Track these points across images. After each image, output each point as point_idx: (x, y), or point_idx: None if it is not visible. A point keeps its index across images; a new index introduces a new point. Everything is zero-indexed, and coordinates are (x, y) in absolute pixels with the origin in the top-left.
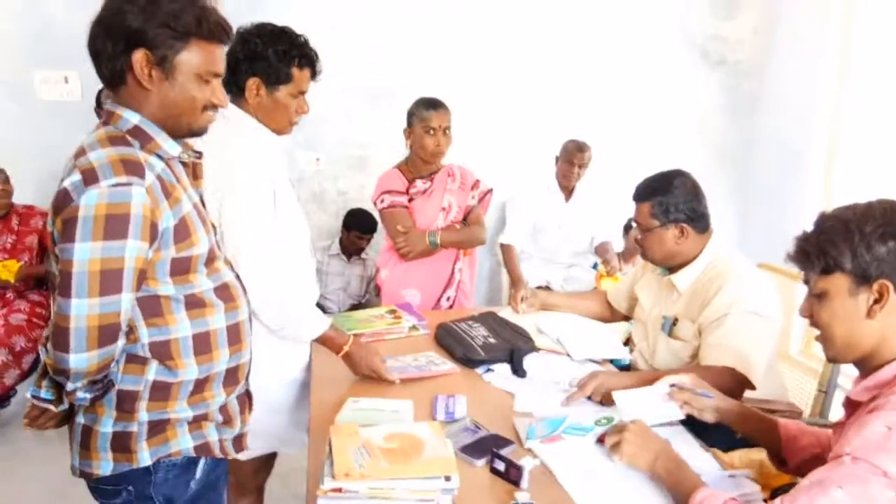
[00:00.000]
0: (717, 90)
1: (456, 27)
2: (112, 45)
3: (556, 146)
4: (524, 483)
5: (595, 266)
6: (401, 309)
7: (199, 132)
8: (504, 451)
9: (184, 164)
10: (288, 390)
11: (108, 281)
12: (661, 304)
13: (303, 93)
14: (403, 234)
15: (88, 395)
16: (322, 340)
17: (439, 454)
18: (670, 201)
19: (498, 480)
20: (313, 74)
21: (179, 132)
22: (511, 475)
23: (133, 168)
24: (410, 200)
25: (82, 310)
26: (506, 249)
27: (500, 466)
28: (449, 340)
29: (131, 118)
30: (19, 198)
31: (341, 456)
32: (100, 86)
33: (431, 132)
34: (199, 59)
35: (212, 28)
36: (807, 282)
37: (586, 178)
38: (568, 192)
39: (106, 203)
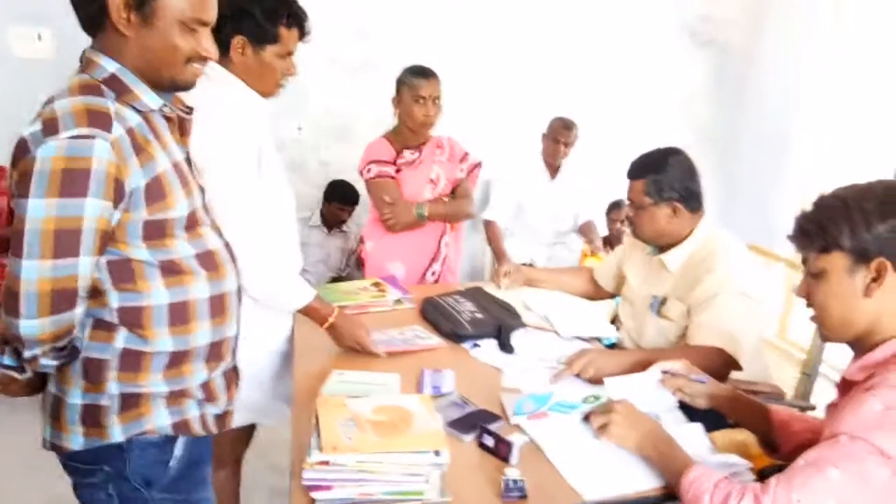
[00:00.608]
0: (704, 71)
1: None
2: None
3: (542, 123)
4: (513, 459)
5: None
6: (385, 282)
7: (183, 86)
8: (492, 427)
9: (168, 119)
10: (269, 361)
11: (64, 242)
12: (649, 284)
13: (290, 53)
14: (390, 206)
15: (53, 363)
16: (306, 311)
17: (429, 428)
18: (664, 179)
19: (486, 456)
20: (301, 35)
21: (161, 85)
22: (500, 451)
23: (98, 119)
24: (398, 171)
25: (33, 272)
26: (489, 226)
27: (490, 442)
28: (435, 315)
29: (108, 66)
30: None
31: (329, 429)
32: (77, 44)
33: (421, 101)
34: (181, 4)
35: None
36: (805, 261)
37: (572, 156)
38: (553, 170)
39: (64, 156)
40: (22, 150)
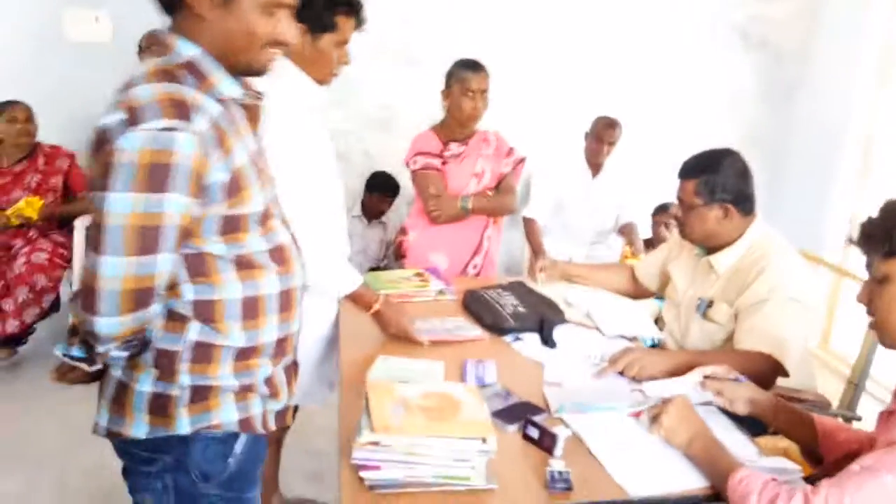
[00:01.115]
0: (753, 72)
1: None
2: None
3: (585, 121)
4: (558, 451)
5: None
6: (428, 272)
7: (259, 71)
8: (536, 419)
9: (243, 106)
10: (315, 345)
11: (147, 239)
12: (696, 285)
13: (346, 42)
14: (435, 197)
15: (123, 354)
16: (353, 297)
17: (476, 416)
18: (717, 180)
19: (530, 447)
20: (358, 24)
21: (238, 69)
22: (544, 443)
23: (182, 111)
24: (444, 163)
25: (115, 269)
26: (528, 223)
27: (534, 434)
28: (477, 307)
29: (185, 51)
30: (44, 140)
31: (379, 410)
32: (135, 26)
33: (470, 94)
34: None
35: None
36: (869, 266)
37: (615, 155)
38: (596, 168)
39: (150, 149)
40: (103, 140)
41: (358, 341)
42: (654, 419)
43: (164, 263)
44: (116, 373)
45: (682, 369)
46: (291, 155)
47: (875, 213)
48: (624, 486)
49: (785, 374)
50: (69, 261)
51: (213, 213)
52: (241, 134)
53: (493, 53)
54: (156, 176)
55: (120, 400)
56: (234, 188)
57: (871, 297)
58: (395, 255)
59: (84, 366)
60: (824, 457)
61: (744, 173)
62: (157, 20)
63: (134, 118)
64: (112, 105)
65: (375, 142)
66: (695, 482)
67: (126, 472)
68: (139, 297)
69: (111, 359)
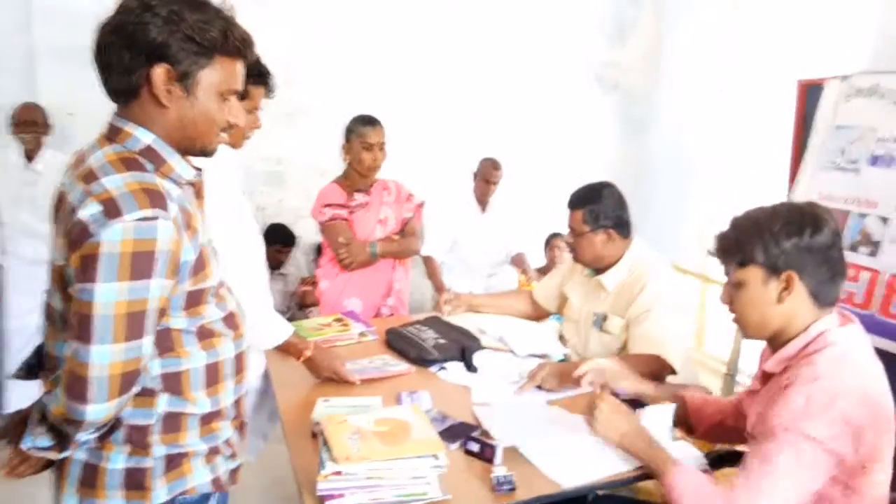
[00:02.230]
0: (611, 112)
1: (371, 49)
2: (129, 58)
3: (469, 162)
4: (498, 459)
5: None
6: (347, 317)
7: (210, 153)
8: (475, 435)
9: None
10: (246, 398)
11: (133, 324)
12: (590, 303)
13: (257, 108)
14: (345, 246)
15: (93, 437)
16: (285, 347)
17: (427, 435)
18: (600, 209)
19: (473, 460)
20: (268, 91)
21: (191, 152)
22: (486, 454)
23: (157, 199)
24: (351, 213)
25: (105, 357)
26: (427, 261)
27: (475, 448)
28: (401, 343)
29: (143, 137)
30: None
31: (338, 442)
32: None
33: (368, 148)
34: (221, 76)
35: (237, 43)
36: (727, 273)
37: (498, 192)
38: (484, 205)
39: (132, 239)
40: (84, 234)
41: (292, 389)
42: (590, 420)
43: (148, 346)
44: (81, 455)
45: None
46: (223, 219)
47: (725, 229)
48: (558, 482)
49: (673, 371)
50: None
51: (181, 291)
52: (197, 212)
53: (378, 104)
54: (140, 264)
55: (89, 481)
56: (200, 265)
57: (730, 298)
58: (298, 305)
59: (53, 454)
60: (695, 428)
61: (621, 201)
62: None
63: (112, 210)
64: (82, 197)
65: (268, 196)
66: (619, 467)
67: None
68: (126, 381)
69: (82, 442)
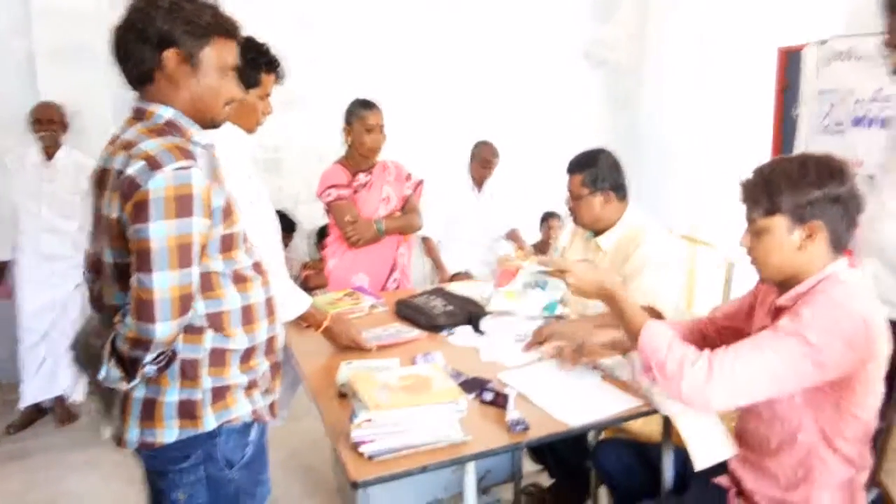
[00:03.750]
0: (599, 88)
1: (364, 36)
2: (142, 48)
3: (462, 142)
4: (511, 405)
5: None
6: (356, 291)
7: (218, 125)
8: (489, 386)
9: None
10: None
11: (184, 254)
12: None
13: (268, 95)
14: (352, 224)
15: (155, 367)
16: (305, 317)
17: (447, 385)
18: (598, 173)
19: (488, 407)
20: (277, 78)
21: (203, 124)
22: (499, 402)
23: (188, 154)
24: (355, 193)
25: (166, 282)
26: (426, 241)
27: (489, 397)
28: (410, 312)
29: (164, 113)
30: None
31: (368, 394)
32: None
33: (369, 130)
34: (219, 53)
35: (226, 25)
36: (750, 220)
37: (494, 174)
38: (480, 185)
39: (173, 185)
40: (133, 185)
41: (312, 357)
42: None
43: (196, 274)
44: (140, 394)
45: (588, 325)
46: (242, 197)
47: (752, 176)
48: (565, 421)
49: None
50: None
51: (216, 234)
52: (219, 168)
53: (374, 90)
54: (182, 204)
55: (149, 414)
56: (228, 211)
57: (751, 244)
58: (301, 288)
59: (124, 384)
60: None
61: (617, 166)
62: None
63: (154, 164)
64: (126, 159)
65: (267, 183)
66: (619, 406)
67: (154, 478)
68: (185, 303)
69: (147, 373)
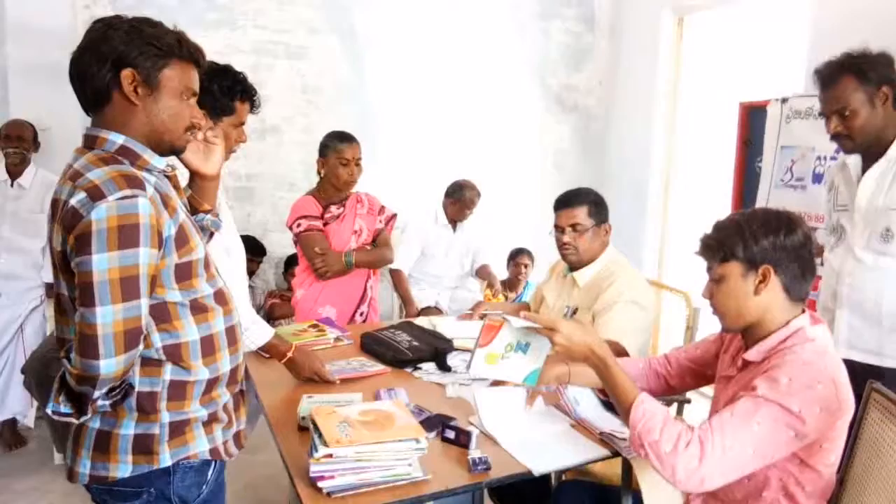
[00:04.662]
0: (571, 131)
1: (337, 69)
2: (99, 68)
3: (439, 180)
4: (473, 444)
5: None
6: (322, 323)
7: (178, 151)
8: (451, 424)
9: (167, 177)
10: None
11: (128, 287)
12: (563, 297)
13: (243, 123)
14: (321, 256)
15: (108, 402)
16: (268, 348)
17: (408, 422)
18: (601, 204)
19: (449, 446)
20: (252, 107)
21: (161, 150)
22: (461, 440)
23: (134, 182)
24: (325, 224)
25: (108, 316)
26: (396, 274)
27: (451, 435)
28: (376, 347)
29: (116, 139)
30: None
31: (328, 429)
32: None
33: (345, 163)
34: (179, 77)
35: (190, 50)
36: (709, 269)
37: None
38: (454, 225)
39: (116, 215)
40: (76, 217)
41: (274, 388)
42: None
43: (145, 307)
44: (95, 424)
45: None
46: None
47: (708, 231)
48: (529, 466)
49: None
50: None
51: (169, 263)
52: (176, 197)
53: (345, 123)
54: (126, 235)
55: (103, 447)
56: (182, 239)
57: (711, 293)
58: (266, 317)
59: (73, 419)
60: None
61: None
62: None
63: (97, 194)
64: (70, 190)
65: (237, 210)
66: (585, 455)
67: None
68: (131, 338)
69: (100, 407)
